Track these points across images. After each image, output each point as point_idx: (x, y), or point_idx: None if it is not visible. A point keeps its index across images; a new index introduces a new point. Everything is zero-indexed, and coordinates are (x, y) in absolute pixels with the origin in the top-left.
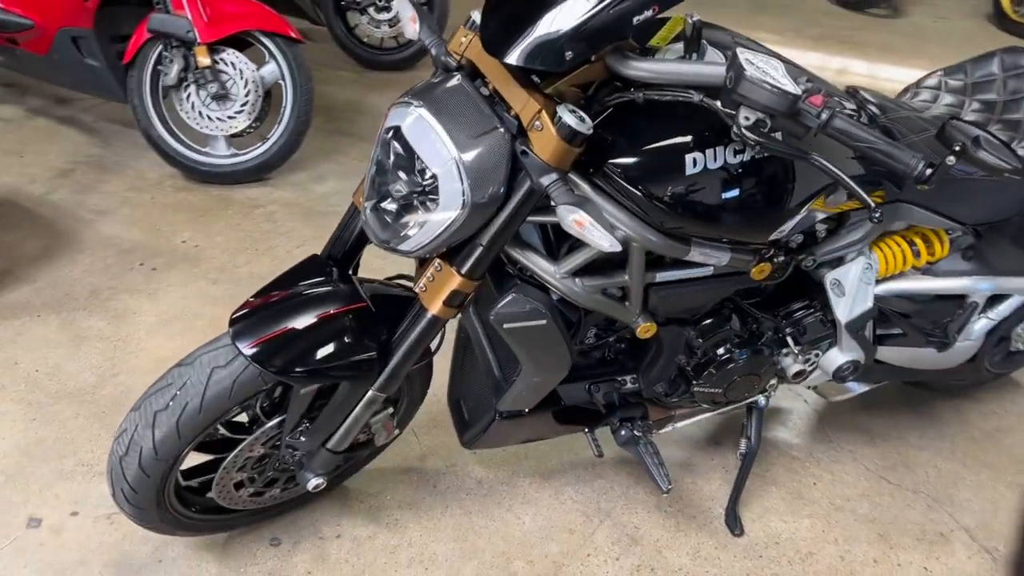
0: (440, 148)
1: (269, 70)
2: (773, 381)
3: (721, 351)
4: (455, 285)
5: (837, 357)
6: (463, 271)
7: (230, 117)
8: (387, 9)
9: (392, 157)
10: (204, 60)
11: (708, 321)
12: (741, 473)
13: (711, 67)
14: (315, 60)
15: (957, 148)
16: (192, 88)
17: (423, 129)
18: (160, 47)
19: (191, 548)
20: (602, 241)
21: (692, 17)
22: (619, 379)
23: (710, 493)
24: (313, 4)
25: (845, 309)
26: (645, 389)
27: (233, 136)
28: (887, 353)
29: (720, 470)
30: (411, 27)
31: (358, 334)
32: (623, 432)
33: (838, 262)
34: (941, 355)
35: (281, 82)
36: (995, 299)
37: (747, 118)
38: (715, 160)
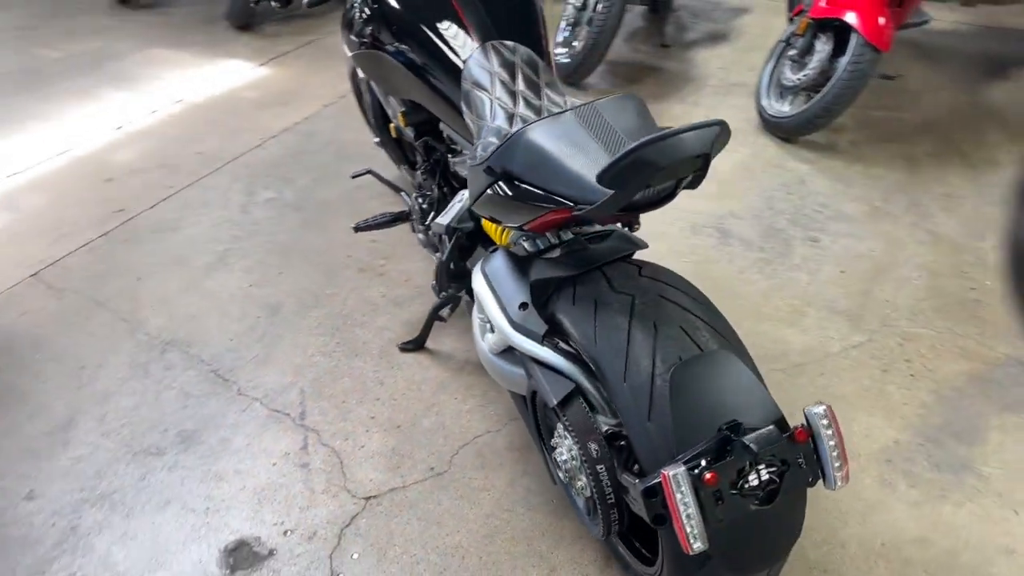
0: None
1: (841, 62)
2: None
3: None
4: None
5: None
6: None
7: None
8: None
9: None
10: (800, 29)
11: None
12: (430, 314)
13: None
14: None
15: None
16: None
17: None
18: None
19: None
20: None
21: None
22: None
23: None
24: None
25: (451, 211)
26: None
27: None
28: None
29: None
30: None
31: None
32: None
33: None
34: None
35: (833, 75)
36: None
37: None
38: None
